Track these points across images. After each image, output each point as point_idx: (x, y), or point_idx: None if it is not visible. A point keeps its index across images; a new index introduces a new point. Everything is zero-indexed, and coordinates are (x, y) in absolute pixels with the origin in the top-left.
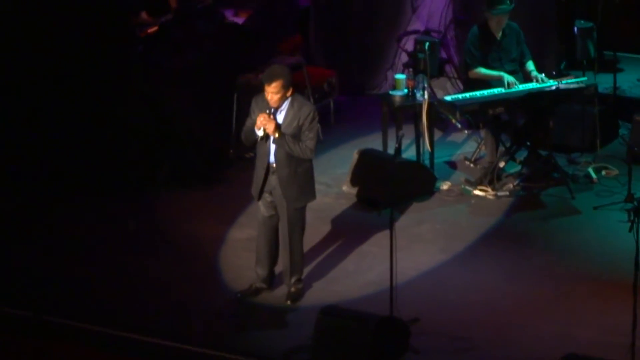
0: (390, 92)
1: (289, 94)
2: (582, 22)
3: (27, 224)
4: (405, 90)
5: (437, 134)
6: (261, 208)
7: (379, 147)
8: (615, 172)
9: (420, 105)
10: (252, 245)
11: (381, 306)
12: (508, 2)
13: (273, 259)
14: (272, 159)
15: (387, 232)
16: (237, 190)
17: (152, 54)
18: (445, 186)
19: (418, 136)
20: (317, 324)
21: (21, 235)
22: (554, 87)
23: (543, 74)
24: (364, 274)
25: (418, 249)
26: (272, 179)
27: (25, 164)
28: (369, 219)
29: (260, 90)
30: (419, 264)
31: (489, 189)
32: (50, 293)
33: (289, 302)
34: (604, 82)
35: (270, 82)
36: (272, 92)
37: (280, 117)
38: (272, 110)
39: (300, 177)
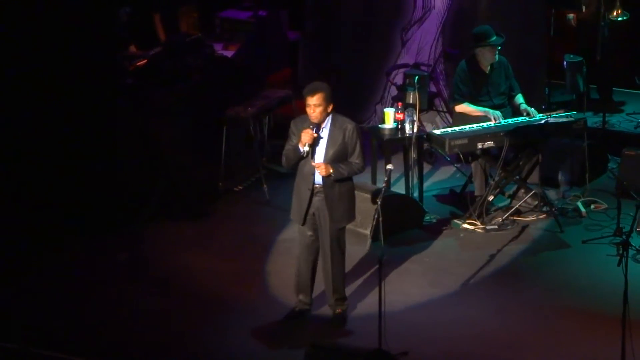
0: (380, 126)
1: (329, 109)
2: (572, 56)
3: (15, 258)
4: (395, 124)
5: (426, 168)
6: (304, 231)
7: (368, 181)
8: (604, 206)
9: (410, 139)
10: (239, 278)
11: (370, 339)
12: (495, 36)
13: (313, 283)
14: (317, 179)
15: (375, 266)
16: (226, 223)
17: (141, 87)
18: (434, 220)
19: (407, 170)
20: (305, 358)
21: (9, 268)
22: (543, 121)
23: (531, 108)
24: (352, 307)
25: (407, 282)
26: (316, 201)
27: (13, 199)
28: (357, 252)
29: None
30: (408, 298)
31: (478, 223)
32: (38, 325)
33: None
34: (593, 117)
35: (312, 94)
36: (314, 104)
37: (324, 134)
38: (315, 126)
39: (345, 196)
